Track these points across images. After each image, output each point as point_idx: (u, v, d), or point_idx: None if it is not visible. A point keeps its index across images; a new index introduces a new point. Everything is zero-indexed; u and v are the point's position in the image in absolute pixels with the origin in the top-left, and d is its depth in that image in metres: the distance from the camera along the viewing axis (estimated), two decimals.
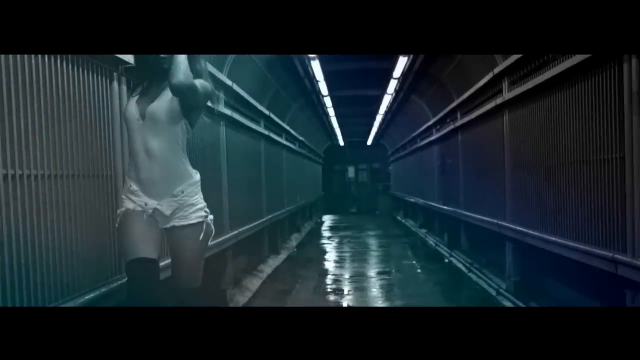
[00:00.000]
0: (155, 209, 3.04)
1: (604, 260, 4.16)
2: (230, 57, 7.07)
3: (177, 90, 2.93)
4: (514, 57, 6.02)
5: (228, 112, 6.96)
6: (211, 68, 5.83)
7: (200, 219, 3.10)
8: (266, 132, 9.82)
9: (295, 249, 12.55)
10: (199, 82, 3.02)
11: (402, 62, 9.16)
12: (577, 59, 4.51)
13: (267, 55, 8.30)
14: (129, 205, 3.07)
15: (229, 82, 6.91)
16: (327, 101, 13.48)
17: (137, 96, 3.10)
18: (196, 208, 3.09)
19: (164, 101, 3.00)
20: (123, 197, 3.12)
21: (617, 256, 3.98)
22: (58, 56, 3.06)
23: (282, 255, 11.25)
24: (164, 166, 2.99)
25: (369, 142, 25.14)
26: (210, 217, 3.17)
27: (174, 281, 3.15)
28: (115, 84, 3.64)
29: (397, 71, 9.85)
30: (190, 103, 3.03)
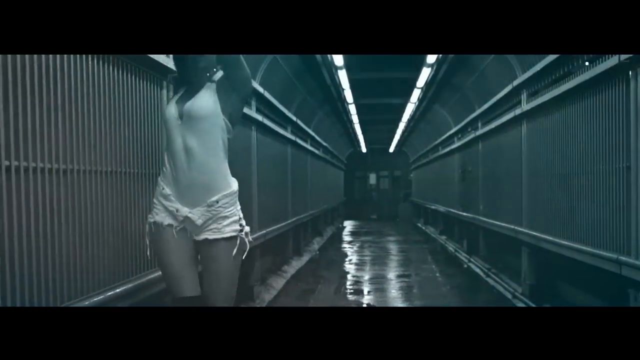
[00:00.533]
0: (186, 217, 2.92)
1: (609, 261, 4.47)
2: (263, 65, 7.47)
3: (245, 81, 3.02)
4: (533, 70, 6.34)
5: (259, 117, 7.35)
6: None
7: (234, 233, 2.94)
8: (293, 138, 10.21)
9: (317, 252, 12.90)
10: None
11: (425, 72, 9.51)
12: (588, 74, 4.83)
13: (296, 63, 8.70)
14: (160, 215, 2.98)
15: (260, 89, 7.30)
16: (352, 108, 13.85)
17: (177, 97, 3.03)
18: (230, 221, 2.94)
19: (203, 98, 2.93)
20: (155, 201, 3.03)
21: (622, 258, 4.29)
22: (117, 65, 3.39)
23: (305, 258, 11.61)
24: (204, 169, 2.88)
25: (391, 150, 25.46)
26: (247, 229, 3.00)
27: (204, 299, 2.94)
28: (164, 91, 4.03)
29: (421, 81, 10.20)
30: (241, 96, 3.04)
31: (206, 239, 2.92)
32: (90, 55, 3.05)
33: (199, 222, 2.90)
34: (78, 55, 2.94)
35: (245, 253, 3.00)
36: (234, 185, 2.97)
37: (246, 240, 2.98)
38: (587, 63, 5.04)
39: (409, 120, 15.98)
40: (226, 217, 2.92)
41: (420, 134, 18.09)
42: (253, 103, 7.07)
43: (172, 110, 2.95)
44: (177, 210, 2.92)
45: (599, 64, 4.66)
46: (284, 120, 9.42)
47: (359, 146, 24.32)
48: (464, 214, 11.36)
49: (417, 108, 13.41)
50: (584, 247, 5.04)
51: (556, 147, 5.88)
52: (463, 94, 10.24)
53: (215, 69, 3.01)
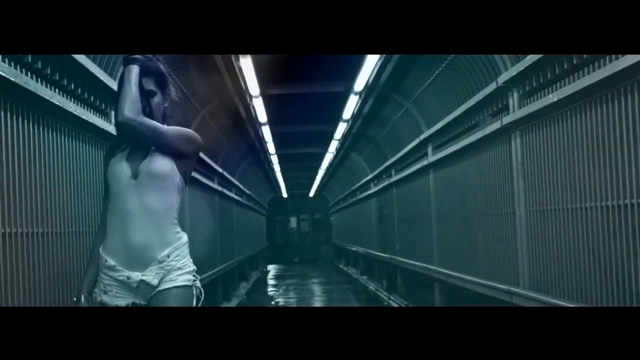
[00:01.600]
0: (140, 281, 2.75)
1: (503, 292, 5.29)
2: (194, 124, 8.10)
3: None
4: (436, 127, 7.24)
5: (200, 177, 7.95)
6: None
7: (188, 282, 2.83)
8: (220, 189, 10.80)
9: (245, 296, 13.40)
10: (162, 127, 2.79)
11: (342, 126, 10.38)
12: (480, 134, 5.72)
13: (223, 120, 9.36)
14: (108, 295, 2.78)
15: None
16: (274, 158, 14.59)
17: (125, 156, 2.85)
18: (184, 272, 2.82)
19: (160, 157, 2.81)
20: (101, 275, 2.81)
21: (512, 289, 5.11)
22: (64, 132, 3.49)
23: (233, 302, 12.09)
24: (157, 229, 2.77)
25: (311, 194, 26.27)
26: (198, 284, 2.90)
27: None
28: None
29: (338, 133, 11.05)
30: (194, 157, 2.90)
31: (157, 291, 2.76)
32: (21, 117, 3.02)
33: (155, 281, 2.75)
34: (9, 115, 2.92)
35: (200, 303, 2.90)
36: (184, 237, 2.86)
37: (201, 290, 2.90)
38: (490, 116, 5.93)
39: (328, 168, 16.85)
40: (180, 269, 2.80)
41: (339, 180, 18.99)
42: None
43: (121, 169, 2.80)
44: (128, 278, 2.74)
45: (489, 125, 5.56)
46: (211, 172, 10.02)
47: (280, 192, 25.03)
48: (383, 254, 12.18)
49: (335, 157, 14.29)
50: (483, 281, 5.87)
51: (458, 194, 6.75)
52: (377, 145, 11.16)
53: (163, 125, 2.89)
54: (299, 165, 18.00)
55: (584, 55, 3.80)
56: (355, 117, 9.65)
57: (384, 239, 12.22)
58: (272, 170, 17.01)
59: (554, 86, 4.22)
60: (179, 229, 2.86)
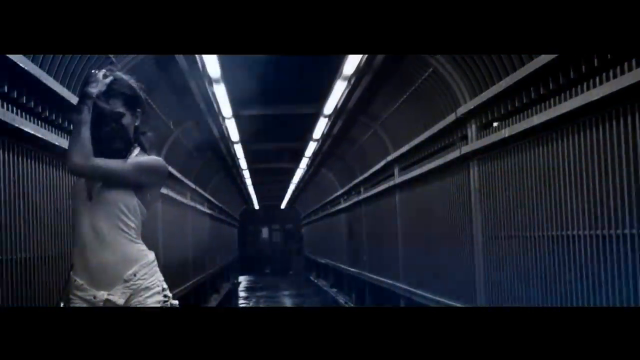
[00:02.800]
0: (106, 300, 2.67)
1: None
2: (167, 144, 8.30)
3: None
4: (401, 150, 7.55)
5: (164, 190, 8.15)
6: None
7: (158, 304, 2.72)
8: (192, 204, 11.00)
9: None
10: (118, 166, 2.69)
11: (312, 145, 10.66)
12: (442, 160, 6.03)
13: (195, 138, 9.58)
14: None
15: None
16: (246, 173, 14.82)
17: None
18: (153, 292, 2.72)
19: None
20: (71, 297, 2.76)
21: (469, 307, 5.41)
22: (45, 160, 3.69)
23: None
24: (114, 249, 2.68)
25: (283, 206, 26.51)
26: (174, 302, 2.82)
27: None
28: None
29: (309, 151, 11.34)
30: (139, 185, 2.75)
31: None
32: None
33: (121, 301, 2.67)
34: None
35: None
36: (150, 255, 2.78)
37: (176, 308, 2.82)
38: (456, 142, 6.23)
39: (299, 182, 17.13)
40: (148, 289, 2.71)
41: (310, 193, 19.25)
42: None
43: (80, 189, 2.75)
44: (94, 297, 2.68)
45: (449, 152, 5.87)
46: (184, 188, 10.22)
47: (252, 203, 25.23)
48: (352, 269, 12.45)
49: (306, 172, 14.57)
50: (443, 299, 6.16)
51: (422, 215, 7.05)
52: (346, 163, 11.45)
53: (133, 145, 2.81)
54: (271, 178, 18.28)
55: (533, 95, 4.13)
56: (325, 136, 9.94)
57: (353, 253, 12.50)
58: (244, 184, 17.24)
59: (508, 121, 4.53)
60: (143, 247, 2.77)
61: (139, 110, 2.80)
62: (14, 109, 3.28)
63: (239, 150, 11.11)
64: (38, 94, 3.61)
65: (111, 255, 2.68)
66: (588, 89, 3.44)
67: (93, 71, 2.72)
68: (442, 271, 6.35)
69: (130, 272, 2.69)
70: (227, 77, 6.53)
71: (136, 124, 2.80)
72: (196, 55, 5.65)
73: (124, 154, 2.75)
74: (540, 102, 4.05)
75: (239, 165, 13.17)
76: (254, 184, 17.91)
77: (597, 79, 3.35)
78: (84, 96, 2.66)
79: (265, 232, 29.34)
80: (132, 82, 2.80)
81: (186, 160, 9.92)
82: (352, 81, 6.67)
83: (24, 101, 3.46)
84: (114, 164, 2.69)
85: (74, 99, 3.84)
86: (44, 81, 3.56)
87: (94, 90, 2.66)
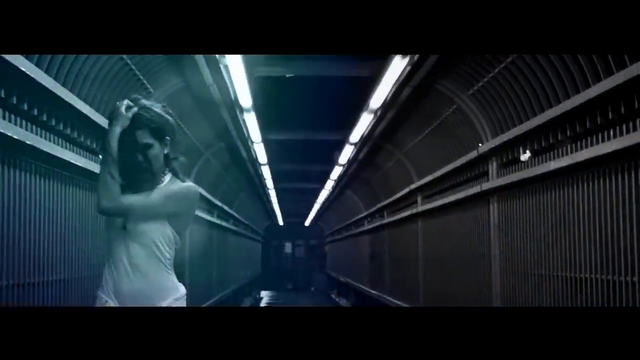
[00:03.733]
0: None
1: None
2: (199, 163, 8.57)
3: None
4: (425, 180, 7.72)
5: (201, 213, 8.41)
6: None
7: None
8: (218, 222, 11.25)
9: None
10: (148, 200, 2.67)
11: (338, 169, 10.87)
12: (463, 193, 6.19)
13: (225, 159, 9.85)
14: None
15: None
16: (272, 192, 15.09)
17: None
18: None
19: None
20: None
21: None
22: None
23: None
24: (149, 280, 2.70)
25: (307, 223, 26.67)
26: None
27: None
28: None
29: (334, 174, 11.54)
30: (171, 215, 2.72)
31: None
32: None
33: None
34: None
35: None
36: (182, 288, 2.80)
37: None
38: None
39: (324, 202, 17.33)
40: None
41: (334, 212, 19.44)
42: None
43: (114, 219, 2.73)
44: None
45: (471, 187, 6.03)
46: (210, 207, 10.47)
47: (276, 219, 25.44)
48: (372, 291, 12.59)
49: (331, 193, 14.77)
50: None
51: (443, 244, 7.21)
52: (371, 186, 11.64)
53: (164, 173, 2.77)
54: (296, 197, 18.54)
55: (551, 140, 4.30)
56: (350, 161, 10.15)
57: (374, 275, 12.64)
58: (270, 201, 17.50)
59: (528, 163, 4.70)
60: (175, 279, 2.78)
61: (167, 138, 2.73)
62: (50, 135, 3.51)
63: (265, 170, 11.37)
64: (73, 118, 3.82)
65: (145, 285, 2.68)
66: (603, 140, 3.60)
67: (117, 103, 2.64)
68: (460, 300, 6.49)
69: (165, 303, 2.69)
70: (258, 105, 6.78)
71: (165, 152, 2.73)
72: (229, 84, 5.89)
73: (154, 184, 2.71)
74: (556, 148, 4.22)
75: (265, 185, 13.43)
76: (279, 201, 18.17)
77: (611, 132, 3.52)
78: (108, 133, 2.61)
79: (288, 246, 29.42)
80: (159, 109, 2.71)
81: (214, 180, 10.19)
82: (378, 114, 6.87)
83: (61, 128, 3.68)
84: (143, 201, 2.67)
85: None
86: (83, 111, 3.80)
87: (117, 128, 2.60)
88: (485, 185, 5.49)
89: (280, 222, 26.70)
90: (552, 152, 4.30)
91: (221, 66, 5.14)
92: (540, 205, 4.54)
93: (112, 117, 2.62)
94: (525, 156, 4.77)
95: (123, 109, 2.60)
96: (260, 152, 9.75)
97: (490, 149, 5.28)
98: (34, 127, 3.41)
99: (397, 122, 7.28)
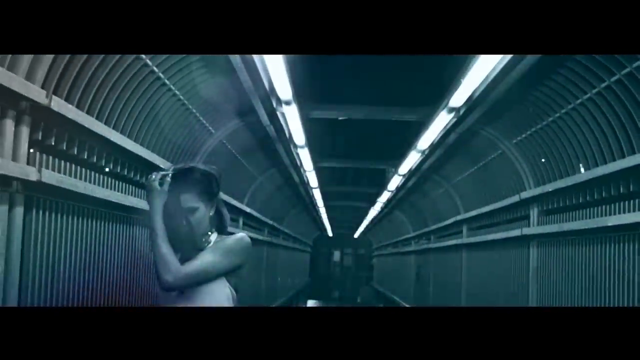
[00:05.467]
0: None
1: None
2: (253, 186, 8.96)
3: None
4: (470, 214, 7.94)
5: (244, 232, 8.79)
6: (235, 201, 7.60)
7: None
8: (269, 239, 11.65)
9: None
10: (207, 262, 2.53)
11: (386, 194, 11.17)
12: (505, 234, 6.41)
13: (277, 180, 10.24)
14: None
15: (247, 209, 8.78)
16: (322, 211, 15.48)
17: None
18: None
19: None
20: None
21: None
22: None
23: None
24: None
25: (356, 236, 26.88)
26: None
27: None
28: None
29: (384, 197, 11.84)
30: (230, 271, 2.62)
31: None
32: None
33: None
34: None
35: None
36: None
37: None
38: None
39: (373, 219, 17.63)
40: None
41: (382, 228, 19.68)
42: (240, 219, 8.52)
43: None
44: None
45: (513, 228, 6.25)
46: (261, 225, 10.86)
47: (326, 231, 25.74)
48: None
49: (381, 212, 15.05)
50: None
51: (484, 278, 7.43)
52: (418, 209, 11.88)
53: (209, 232, 2.67)
54: (345, 215, 18.93)
55: (588, 198, 4.51)
56: (399, 187, 10.43)
57: (419, 296, 12.85)
58: (319, 216, 17.90)
59: (565, 215, 4.91)
60: None
61: (213, 198, 2.62)
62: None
63: (316, 193, 11.75)
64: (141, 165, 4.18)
65: None
66: (634, 209, 3.82)
67: (151, 177, 2.53)
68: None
69: None
70: (310, 141, 7.14)
71: (211, 213, 2.62)
72: (283, 124, 6.24)
73: (201, 246, 2.60)
74: (592, 207, 4.43)
75: (316, 203, 13.80)
76: (329, 217, 18.60)
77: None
78: (150, 209, 2.51)
79: (337, 255, 29.47)
80: (204, 168, 2.62)
81: (265, 199, 10.59)
82: (426, 152, 7.14)
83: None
84: (204, 264, 2.53)
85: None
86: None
87: (158, 201, 2.50)
88: (526, 230, 5.71)
89: (330, 234, 26.97)
90: (588, 209, 4.51)
91: (278, 113, 5.48)
92: (576, 256, 4.73)
93: (148, 191, 2.53)
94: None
95: (156, 184, 2.51)
96: (312, 178, 10.13)
97: (532, 197, 5.49)
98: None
99: (443, 159, 7.53)
